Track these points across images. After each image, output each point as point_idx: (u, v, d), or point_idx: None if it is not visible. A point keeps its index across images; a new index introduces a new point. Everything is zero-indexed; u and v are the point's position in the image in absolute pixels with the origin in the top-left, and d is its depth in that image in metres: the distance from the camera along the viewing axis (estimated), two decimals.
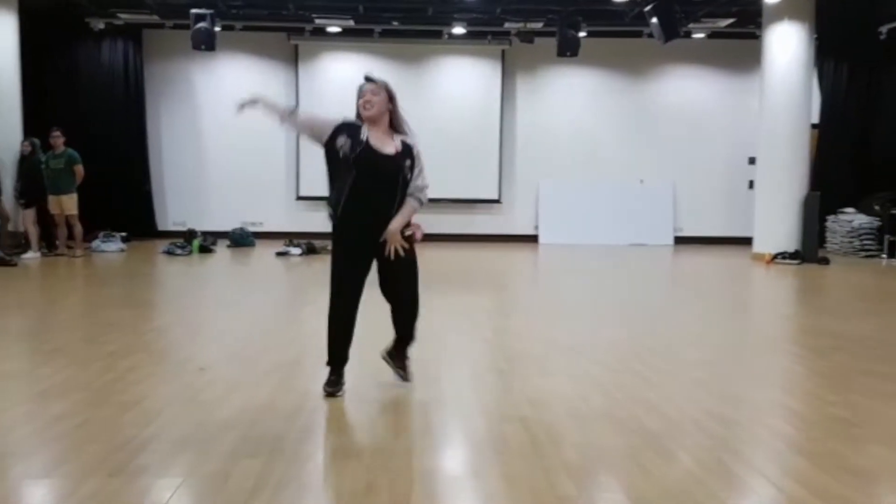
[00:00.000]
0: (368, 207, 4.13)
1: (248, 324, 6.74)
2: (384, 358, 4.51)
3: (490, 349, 5.65)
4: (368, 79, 4.26)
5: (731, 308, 8.12)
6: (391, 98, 4.22)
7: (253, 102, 4.29)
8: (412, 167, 4.21)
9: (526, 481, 3.11)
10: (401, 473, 3.14)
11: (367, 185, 4.10)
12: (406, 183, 4.19)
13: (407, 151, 4.21)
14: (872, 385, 4.64)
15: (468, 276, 10.71)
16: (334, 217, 4.21)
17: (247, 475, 3.08)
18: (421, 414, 3.97)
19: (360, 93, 4.20)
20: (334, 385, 4.25)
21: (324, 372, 4.40)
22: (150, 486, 2.98)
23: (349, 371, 4.34)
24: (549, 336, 6.14)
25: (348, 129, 4.16)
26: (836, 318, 7.35)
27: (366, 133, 4.15)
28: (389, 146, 4.17)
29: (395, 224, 4.14)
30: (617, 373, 4.91)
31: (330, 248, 4.33)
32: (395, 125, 4.24)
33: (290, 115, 4.32)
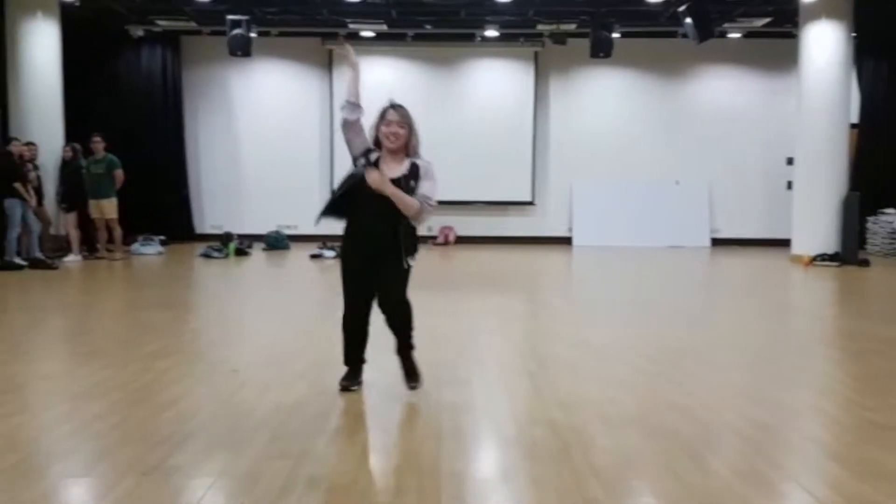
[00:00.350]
0: (370, 233, 4.21)
1: (282, 326, 6.81)
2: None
3: (520, 351, 5.65)
4: (394, 105, 4.25)
5: (767, 311, 8.02)
6: (412, 128, 4.24)
7: (352, 62, 4.41)
8: (417, 183, 4.21)
9: (553, 484, 3.11)
10: (429, 475, 3.16)
11: (370, 209, 4.15)
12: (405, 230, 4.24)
13: (414, 172, 4.22)
14: None
15: (500, 277, 10.70)
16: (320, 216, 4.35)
17: (277, 475, 3.12)
18: (450, 416, 3.98)
19: (385, 120, 4.20)
20: (350, 379, 4.40)
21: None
22: (183, 485, 3.03)
23: (382, 373, 4.37)
24: (581, 338, 6.12)
25: (368, 153, 4.25)
26: (876, 321, 7.23)
27: (375, 156, 4.23)
28: (396, 171, 4.19)
29: (391, 188, 4.11)
30: (649, 376, 4.88)
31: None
32: (409, 151, 4.26)
33: (355, 106, 4.33)
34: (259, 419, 3.89)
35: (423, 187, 4.21)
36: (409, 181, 4.18)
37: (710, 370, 5.07)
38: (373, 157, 4.21)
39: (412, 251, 4.26)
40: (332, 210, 4.31)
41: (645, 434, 3.71)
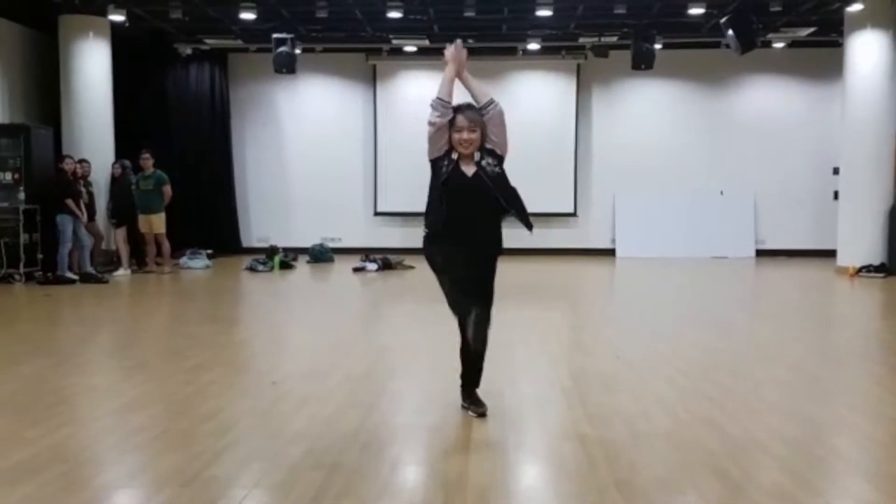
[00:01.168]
0: (467, 237, 4.11)
1: (322, 339, 6.96)
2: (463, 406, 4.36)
3: (556, 365, 5.69)
4: (461, 108, 4.12)
5: (808, 323, 7.95)
6: (484, 132, 4.14)
7: (461, 61, 4.21)
8: (493, 151, 4.15)
9: (577, 500, 3.16)
10: (456, 489, 3.24)
11: (461, 213, 4.09)
12: (500, 181, 4.15)
13: (482, 151, 4.14)
14: None
15: (542, 290, 10.74)
16: (429, 243, 4.20)
17: (308, 487, 3.23)
18: (480, 429, 4.05)
19: (456, 126, 4.09)
20: (467, 400, 4.32)
21: (389, 387, 4.55)
22: (219, 496, 3.15)
23: (413, 384, 4.46)
24: (618, 352, 6.15)
25: (449, 154, 4.16)
26: None
27: (455, 156, 4.15)
28: (471, 167, 4.14)
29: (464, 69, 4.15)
30: (683, 391, 4.90)
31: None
32: (482, 145, 4.17)
33: (447, 106, 4.12)
34: (295, 431, 4.01)
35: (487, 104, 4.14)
36: (481, 162, 4.12)
37: (744, 385, 5.06)
38: (453, 156, 4.13)
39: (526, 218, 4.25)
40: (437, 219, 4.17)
41: (672, 449, 3.75)
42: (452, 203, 4.10)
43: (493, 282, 4.30)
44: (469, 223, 4.13)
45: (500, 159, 4.19)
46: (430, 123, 4.12)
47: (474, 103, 4.19)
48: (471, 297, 4.09)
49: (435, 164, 4.20)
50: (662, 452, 3.70)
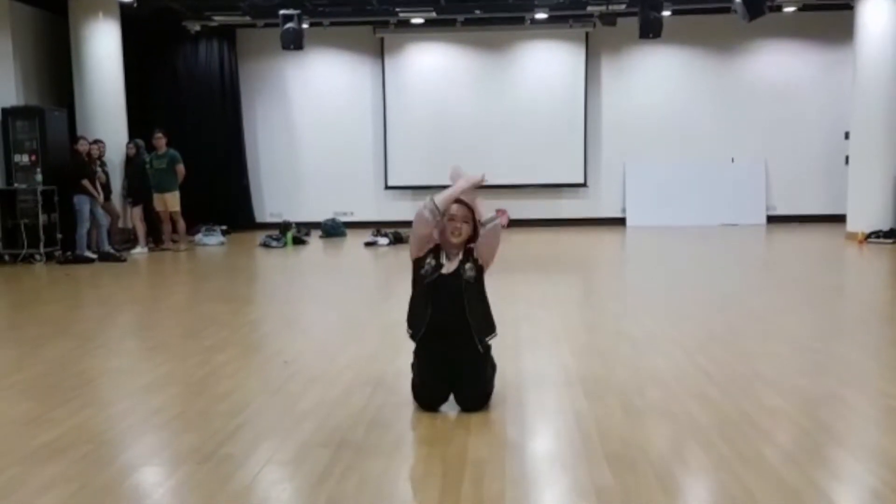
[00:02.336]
0: (444, 330, 4.09)
1: (333, 317, 7.17)
2: None
3: (558, 341, 5.87)
4: (463, 202, 4.09)
5: (810, 294, 8.07)
6: (476, 231, 4.13)
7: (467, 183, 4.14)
8: (474, 258, 4.14)
9: (569, 472, 3.36)
10: (455, 464, 3.44)
11: (441, 313, 4.08)
12: (471, 287, 4.10)
13: (467, 255, 4.14)
14: None
15: (550, 262, 10.89)
16: (414, 337, 4.20)
17: (317, 463, 3.44)
18: None
19: (449, 214, 4.07)
20: None
21: (396, 365, 4.75)
22: (233, 473, 3.37)
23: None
24: (620, 328, 6.32)
25: (436, 250, 4.16)
26: None
27: (442, 257, 4.14)
28: (454, 263, 4.12)
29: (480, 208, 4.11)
30: (678, 365, 5.07)
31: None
32: (472, 238, 4.16)
33: (439, 215, 4.08)
34: (305, 410, 4.22)
35: (483, 222, 4.10)
36: (464, 265, 4.11)
37: (739, 359, 5.22)
38: (441, 258, 4.13)
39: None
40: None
41: (662, 423, 3.93)
42: (436, 303, 4.08)
43: (487, 372, 4.22)
44: (454, 320, 4.08)
45: (480, 270, 4.17)
46: (420, 218, 4.08)
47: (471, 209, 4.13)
48: (440, 392, 4.15)
49: (418, 262, 4.16)
50: (653, 426, 3.89)
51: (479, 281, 4.20)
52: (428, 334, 4.13)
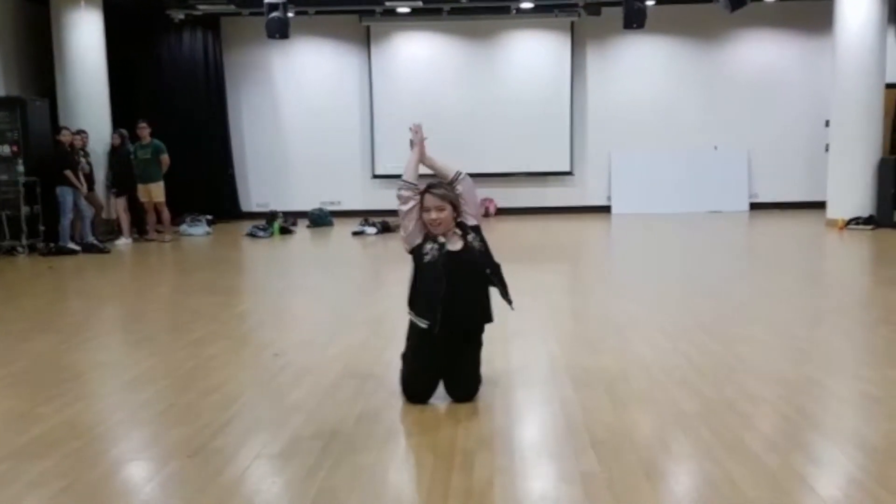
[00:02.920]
0: (451, 303, 4.07)
1: (322, 308, 7.20)
2: None
3: (544, 329, 5.93)
4: (430, 187, 4.12)
5: (791, 280, 8.17)
6: (455, 206, 4.14)
7: (418, 144, 4.35)
8: (475, 230, 4.20)
9: (556, 459, 3.43)
10: (445, 453, 3.49)
11: (458, 290, 4.08)
12: (484, 257, 4.17)
13: (465, 231, 4.17)
14: None
15: (537, 250, 10.95)
16: (430, 326, 4.11)
17: (307, 455, 3.48)
18: None
19: (424, 207, 4.10)
20: None
21: (385, 356, 4.80)
22: (224, 466, 3.41)
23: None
24: (605, 314, 6.40)
25: (434, 238, 4.15)
26: (893, 288, 7.36)
27: (442, 240, 4.14)
28: (457, 242, 4.15)
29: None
30: (663, 352, 5.14)
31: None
32: (458, 223, 4.18)
33: (413, 188, 4.18)
34: (294, 402, 4.26)
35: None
36: (466, 237, 4.15)
37: (722, 345, 5.30)
38: (440, 239, 4.13)
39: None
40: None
41: (647, 410, 4.00)
42: (449, 281, 4.05)
43: (478, 356, 4.29)
44: (465, 301, 4.11)
45: (477, 230, 4.21)
46: (401, 201, 4.14)
47: (443, 190, 4.14)
48: (430, 384, 4.21)
49: (416, 252, 4.17)
50: (637, 414, 3.95)
51: (487, 250, 4.21)
52: (442, 320, 4.04)
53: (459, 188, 4.20)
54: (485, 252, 4.21)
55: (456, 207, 4.14)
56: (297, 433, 3.79)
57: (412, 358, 4.26)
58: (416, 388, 4.22)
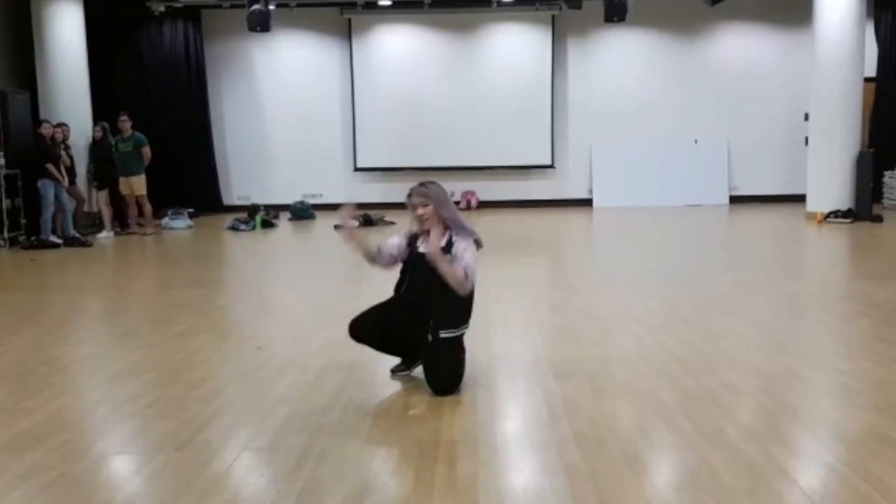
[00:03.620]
0: (418, 306, 4.31)
1: (305, 301, 7.22)
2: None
3: (526, 322, 5.99)
4: (414, 188, 4.37)
5: (771, 273, 8.27)
6: (439, 202, 4.32)
7: (350, 230, 4.63)
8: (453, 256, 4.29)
9: (539, 450, 3.48)
10: (430, 445, 3.53)
11: (417, 288, 4.33)
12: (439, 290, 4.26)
13: (448, 247, 4.29)
14: (887, 352, 4.86)
15: (518, 243, 11.01)
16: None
17: (292, 449, 3.51)
18: None
19: (411, 204, 4.35)
20: (398, 365, 4.64)
21: (368, 349, 4.83)
22: (210, 459, 3.43)
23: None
24: (587, 307, 6.46)
25: (414, 238, 4.41)
26: (873, 281, 7.47)
27: (419, 240, 4.38)
28: (434, 241, 4.26)
29: (440, 258, 4.20)
30: (644, 344, 5.21)
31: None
32: (446, 222, 4.34)
33: (378, 254, 4.51)
34: (279, 395, 4.29)
35: (463, 258, 4.26)
36: (447, 252, 4.27)
37: (702, 337, 5.37)
38: (417, 243, 4.38)
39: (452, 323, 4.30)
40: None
41: (628, 402, 4.06)
42: (412, 278, 4.37)
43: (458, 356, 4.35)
44: (423, 302, 4.29)
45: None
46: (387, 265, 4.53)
47: (425, 189, 4.35)
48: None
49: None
50: (619, 405, 4.02)
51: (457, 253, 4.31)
52: (399, 300, 4.40)
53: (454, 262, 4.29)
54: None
55: (438, 203, 4.31)
56: (282, 426, 3.82)
57: (375, 305, 4.52)
58: (358, 324, 4.52)
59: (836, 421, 3.79)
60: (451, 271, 4.19)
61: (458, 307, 4.29)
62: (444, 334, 4.23)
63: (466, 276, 4.22)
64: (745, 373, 4.51)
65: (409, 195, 4.37)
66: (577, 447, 3.46)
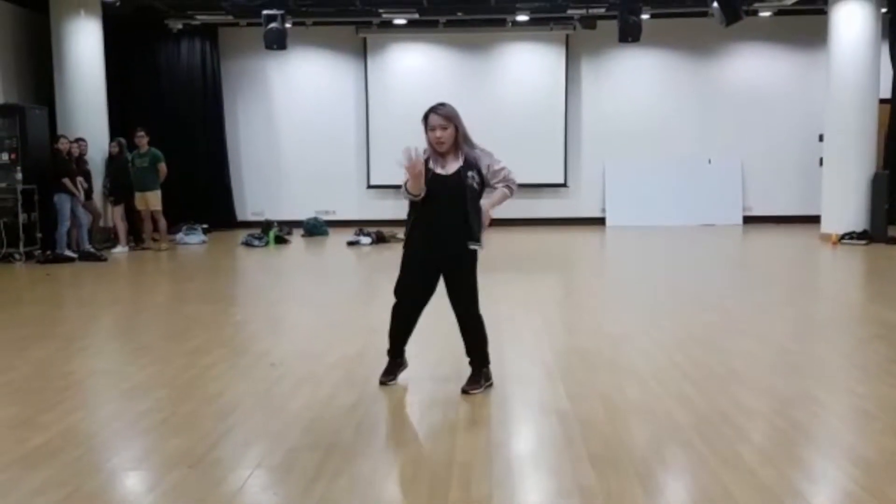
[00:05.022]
0: (436, 226, 4.44)
1: (319, 317, 7.23)
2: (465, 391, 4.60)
3: (539, 341, 5.96)
4: (434, 108, 4.45)
5: (785, 294, 8.23)
6: (457, 126, 4.42)
7: (417, 161, 4.39)
8: (479, 172, 4.44)
9: (554, 471, 3.46)
10: (442, 465, 3.52)
11: (434, 208, 4.40)
12: (474, 193, 4.43)
13: (470, 163, 4.43)
14: None
15: (531, 262, 11.01)
16: (406, 234, 4.60)
17: (307, 466, 3.51)
18: (466, 408, 4.33)
19: (430, 125, 4.41)
20: (388, 374, 4.75)
21: (382, 365, 4.83)
22: (224, 477, 3.43)
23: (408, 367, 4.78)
24: (599, 327, 6.44)
25: (427, 160, 4.44)
26: (888, 304, 7.43)
27: (432, 162, 4.45)
28: (453, 165, 4.43)
29: (487, 203, 4.46)
30: (658, 364, 5.19)
31: (400, 236, 4.66)
32: (459, 145, 4.46)
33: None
34: (293, 412, 4.29)
35: (499, 172, 4.47)
36: (466, 171, 4.40)
37: (716, 358, 5.35)
38: (430, 164, 4.43)
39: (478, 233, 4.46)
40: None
41: (643, 423, 4.04)
42: (434, 201, 4.38)
43: (470, 279, 4.56)
44: (444, 224, 4.43)
45: (483, 184, 4.48)
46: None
47: (446, 110, 4.44)
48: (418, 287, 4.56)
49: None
50: (633, 426, 3.99)
51: (479, 194, 4.47)
52: (419, 227, 4.45)
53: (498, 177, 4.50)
54: (473, 192, 4.43)
55: (458, 127, 4.41)
56: (295, 444, 3.81)
57: (403, 274, 4.58)
58: (403, 296, 4.59)
59: (853, 444, 3.75)
60: (499, 201, 4.51)
61: (476, 219, 4.44)
62: (472, 246, 4.44)
63: (511, 189, 4.53)
64: (759, 394, 4.48)
65: (426, 117, 4.42)
66: (592, 468, 3.44)
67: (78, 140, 12.25)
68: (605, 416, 4.16)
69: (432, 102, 4.55)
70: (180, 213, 14.03)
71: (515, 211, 15.71)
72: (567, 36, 15.55)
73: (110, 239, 12.81)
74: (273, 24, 13.23)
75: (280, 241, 13.43)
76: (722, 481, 3.28)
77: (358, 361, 5.37)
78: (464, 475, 3.42)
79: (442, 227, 4.44)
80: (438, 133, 4.38)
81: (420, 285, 4.56)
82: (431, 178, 4.39)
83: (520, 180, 4.68)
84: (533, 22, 15.14)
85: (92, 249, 11.67)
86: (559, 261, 11.53)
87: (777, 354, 5.52)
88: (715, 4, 11.90)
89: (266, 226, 13.68)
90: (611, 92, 15.89)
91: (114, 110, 13.56)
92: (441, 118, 4.39)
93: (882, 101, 12.87)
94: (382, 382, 4.73)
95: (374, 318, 6.82)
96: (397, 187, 4.53)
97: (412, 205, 4.51)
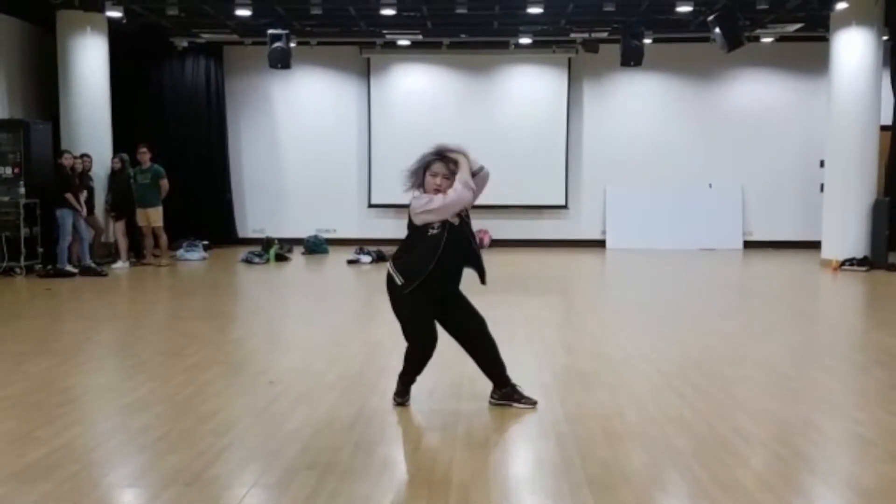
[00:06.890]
0: (452, 270, 4.61)
1: (318, 335, 7.22)
2: (494, 402, 4.76)
3: (539, 364, 5.95)
4: (441, 156, 4.61)
5: (785, 320, 8.23)
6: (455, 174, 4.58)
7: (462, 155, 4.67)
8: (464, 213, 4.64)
9: (550, 494, 3.44)
10: (439, 486, 3.51)
11: (453, 256, 4.55)
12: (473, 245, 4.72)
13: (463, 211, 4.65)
14: None
15: (531, 283, 10.99)
16: (416, 280, 4.52)
17: (303, 486, 3.49)
18: (464, 429, 4.32)
19: (432, 170, 4.57)
20: (403, 395, 4.75)
21: (380, 385, 4.82)
22: (220, 495, 3.42)
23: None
24: (599, 349, 6.43)
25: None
26: (888, 331, 7.41)
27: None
28: (455, 218, 4.59)
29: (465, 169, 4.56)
30: (657, 389, 5.18)
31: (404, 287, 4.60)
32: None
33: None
34: (290, 431, 4.27)
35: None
36: (461, 215, 4.60)
37: (715, 383, 5.33)
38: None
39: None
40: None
41: (642, 447, 4.03)
42: (447, 250, 4.49)
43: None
44: (456, 266, 4.62)
45: (467, 213, 4.66)
46: (466, 197, 4.51)
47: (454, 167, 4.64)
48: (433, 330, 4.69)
49: (425, 225, 4.53)
50: (632, 451, 3.98)
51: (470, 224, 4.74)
52: (431, 275, 4.48)
53: (479, 176, 4.70)
54: (470, 230, 4.69)
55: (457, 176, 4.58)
56: (292, 463, 3.80)
57: (420, 321, 4.61)
58: (431, 346, 4.64)
59: (852, 471, 3.74)
60: (478, 171, 4.71)
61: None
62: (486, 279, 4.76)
63: (484, 180, 4.73)
64: (759, 420, 4.47)
65: (429, 164, 4.57)
66: (590, 493, 3.43)
67: (83, 156, 12.30)
68: (604, 439, 4.14)
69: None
70: (181, 230, 14.04)
71: (516, 232, 15.80)
72: (569, 59, 15.62)
73: (111, 254, 12.82)
74: (278, 44, 13.31)
75: (280, 258, 13.44)
76: None
77: (356, 381, 5.36)
78: (461, 497, 3.40)
79: (457, 269, 4.64)
80: (439, 181, 4.52)
81: (435, 326, 4.68)
82: (445, 228, 4.50)
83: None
84: (536, 45, 15.22)
85: (92, 264, 11.66)
86: (559, 282, 11.53)
87: (777, 380, 5.51)
88: (717, 30, 11.98)
89: (267, 243, 13.69)
90: (612, 115, 15.94)
91: (118, 126, 13.60)
92: (446, 168, 4.56)
93: (883, 128, 12.90)
94: (399, 403, 4.72)
95: (372, 338, 6.85)
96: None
97: (429, 252, 4.49)
